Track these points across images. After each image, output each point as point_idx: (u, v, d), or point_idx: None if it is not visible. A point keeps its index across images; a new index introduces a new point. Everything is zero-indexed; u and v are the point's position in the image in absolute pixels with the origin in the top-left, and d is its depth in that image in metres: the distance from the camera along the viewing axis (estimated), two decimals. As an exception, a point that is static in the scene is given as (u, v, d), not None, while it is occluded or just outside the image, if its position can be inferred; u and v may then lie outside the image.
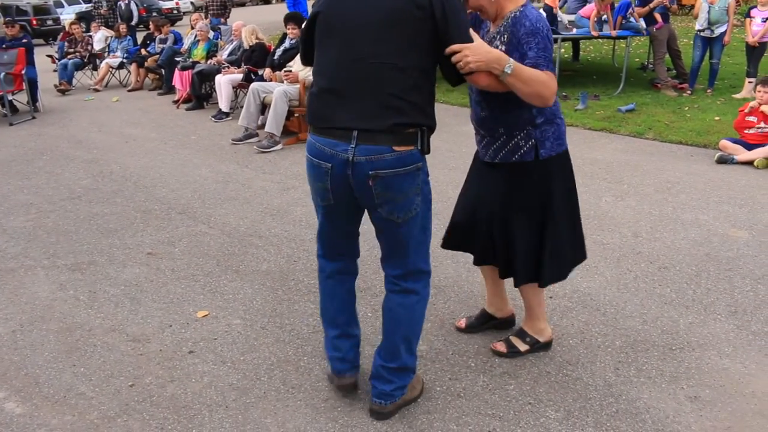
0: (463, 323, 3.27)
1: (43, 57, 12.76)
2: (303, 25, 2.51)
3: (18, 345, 3.28)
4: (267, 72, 7.62)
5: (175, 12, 31.39)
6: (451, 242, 3.01)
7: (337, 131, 2.29)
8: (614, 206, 4.89)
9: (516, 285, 2.83)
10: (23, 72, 9.44)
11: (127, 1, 16.21)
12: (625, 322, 3.26)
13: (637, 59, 11.84)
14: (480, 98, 2.67)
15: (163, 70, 10.96)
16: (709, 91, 8.87)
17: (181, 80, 9.71)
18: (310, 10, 8.02)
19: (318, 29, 2.36)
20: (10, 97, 9.40)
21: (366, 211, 2.47)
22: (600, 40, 10.90)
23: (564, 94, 8.93)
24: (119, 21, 14.11)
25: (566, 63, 11.75)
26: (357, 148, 2.26)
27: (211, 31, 10.70)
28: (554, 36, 9.32)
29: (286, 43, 7.80)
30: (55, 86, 11.68)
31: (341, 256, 2.65)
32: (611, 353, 3.00)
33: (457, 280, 3.78)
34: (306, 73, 6.92)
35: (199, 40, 10.19)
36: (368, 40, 2.26)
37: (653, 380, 2.79)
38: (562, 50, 9.36)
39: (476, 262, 2.95)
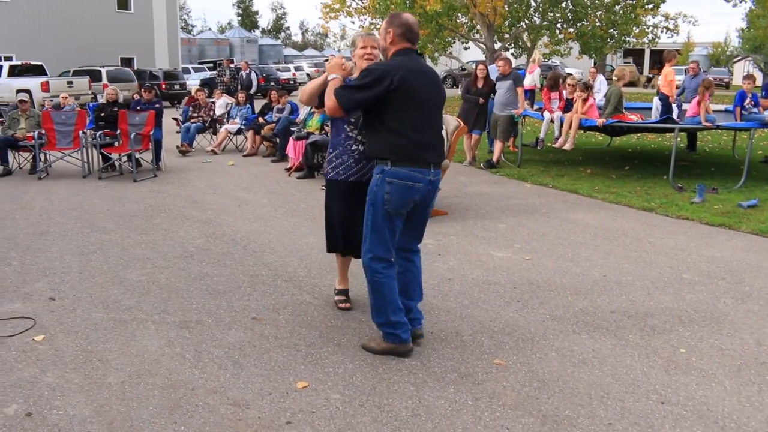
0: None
1: (169, 119, 13.60)
2: (377, 83, 3.58)
3: (125, 396, 3.38)
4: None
5: (291, 82, 32.99)
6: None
7: (425, 164, 3.69)
8: (734, 309, 4.60)
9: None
10: (151, 133, 10.10)
11: (248, 71, 17.22)
12: (748, 440, 3.01)
13: (761, 152, 11.36)
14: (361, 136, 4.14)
15: (278, 139, 11.45)
16: (840, 190, 8.35)
17: (294, 149, 10.09)
18: None
19: (402, 95, 3.60)
20: (137, 156, 10.04)
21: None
22: (719, 130, 10.54)
23: (679, 185, 8.62)
24: (239, 89, 14.94)
25: (682, 153, 11.41)
26: (434, 172, 3.75)
27: (326, 104, 11.09)
28: (671, 126, 9.10)
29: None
30: (177, 147, 12.39)
31: (392, 254, 3.81)
32: (733, 474, 2.76)
33: (562, 374, 3.63)
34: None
35: (314, 112, 10.59)
36: (437, 114, 3.85)
37: None
38: (678, 139, 9.09)
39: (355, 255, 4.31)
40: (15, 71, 22.74)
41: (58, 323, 4.33)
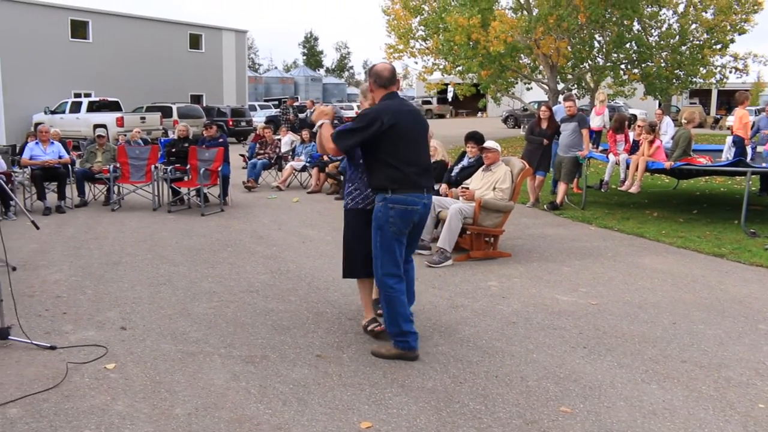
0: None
1: (236, 155, 13.95)
2: (369, 126, 4.18)
3: (192, 428, 3.44)
4: (443, 188, 7.81)
5: (354, 120, 33.44)
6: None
7: (419, 189, 4.29)
8: (815, 364, 4.39)
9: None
10: (219, 169, 10.39)
11: (312, 109, 17.58)
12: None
13: (837, 198, 10.90)
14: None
15: (342, 177, 11.60)
16: None
17: (357, 187, 10.18)
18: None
19: (392, 134, 4.19)
20: (205, 191, 10.33)
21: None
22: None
23: (752, 230, 8.33)
24: (305, 127, 15.25)
25: (755, 197, 11.04)
26: (427, 196, 4.36)
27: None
28: (743, 169, 8.85)
29: (465, 161, 7.99)
30: (243, 183, 12.70)
31: (401, 270, 4.39)
32: None
33: (632, 425, 3.52)
34: (482, 192, 7.01)
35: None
36: (423, 144, 4.47)
37: None
38: (750, 182, 8.80)
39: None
40: (93, 107, 23.85)
41: (128, 352, 4.46)
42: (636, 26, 24.06)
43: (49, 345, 4.52)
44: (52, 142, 10.86)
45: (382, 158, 4.25)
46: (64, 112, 24.06)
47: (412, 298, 4.67)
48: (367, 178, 4.46)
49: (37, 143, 10.73)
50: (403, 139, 4.24)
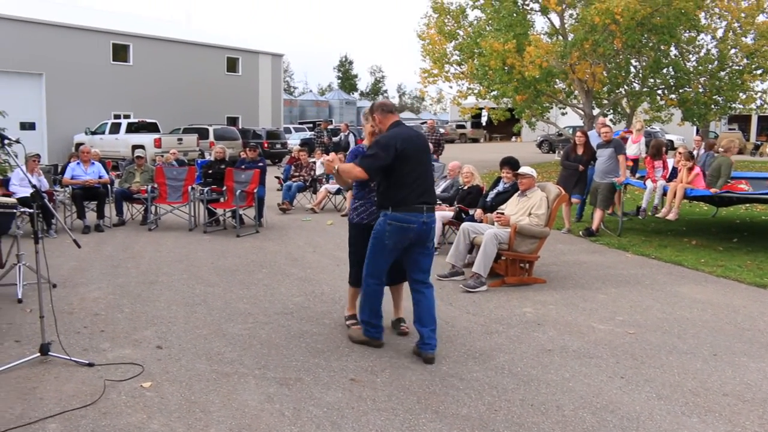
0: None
1: (271, 177, 14.08)
2: (386, 150, 4.61)
3: (226, 451, 3.45)
4: (478, 213, 7.78)
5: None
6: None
7: (417, 207, 4.68)
8: None
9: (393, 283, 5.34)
10: (255, 191, 10.50)
11: (347, 132, 17.71)
12: None
13: None
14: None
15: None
16: None
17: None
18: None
19: (401, 158, 4.61)
20: (240, 212, 10.43)
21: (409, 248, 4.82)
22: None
23: (794, 261, 8.14)
24: (339, 150, 15.35)
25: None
26: (426, 215, 4.72)
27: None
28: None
29: (500, 186, 7.97)
30: (278, 205, 12.80)
31: (384, 276, 4.92)
32: None
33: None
34: (517, 218, 6.97)
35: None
36: (427, 166, 4.85)
37: None
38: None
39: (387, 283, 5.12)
40: (132, 128, 24.35)
41: (164, 371, 4.50)
42: (673, 51, 23.85)
43: (87, 362, 4.60)
44: (93, 163, 11.10)
45: (389, 180, 4.70)
46: (104, 133, 24.59)
47: (432, 320, 4.85)
48: (376, 196, 4.94)
49: (78, 163, 10.98)
50: (409, 162, 4.68)
